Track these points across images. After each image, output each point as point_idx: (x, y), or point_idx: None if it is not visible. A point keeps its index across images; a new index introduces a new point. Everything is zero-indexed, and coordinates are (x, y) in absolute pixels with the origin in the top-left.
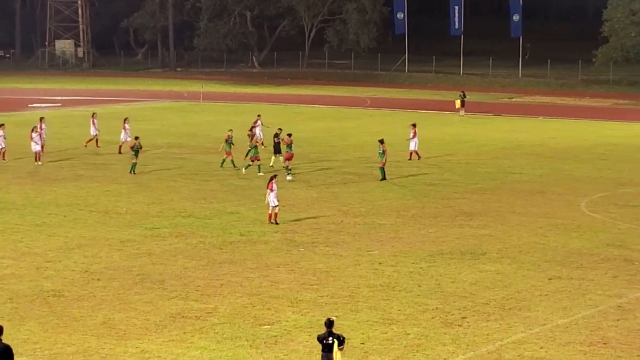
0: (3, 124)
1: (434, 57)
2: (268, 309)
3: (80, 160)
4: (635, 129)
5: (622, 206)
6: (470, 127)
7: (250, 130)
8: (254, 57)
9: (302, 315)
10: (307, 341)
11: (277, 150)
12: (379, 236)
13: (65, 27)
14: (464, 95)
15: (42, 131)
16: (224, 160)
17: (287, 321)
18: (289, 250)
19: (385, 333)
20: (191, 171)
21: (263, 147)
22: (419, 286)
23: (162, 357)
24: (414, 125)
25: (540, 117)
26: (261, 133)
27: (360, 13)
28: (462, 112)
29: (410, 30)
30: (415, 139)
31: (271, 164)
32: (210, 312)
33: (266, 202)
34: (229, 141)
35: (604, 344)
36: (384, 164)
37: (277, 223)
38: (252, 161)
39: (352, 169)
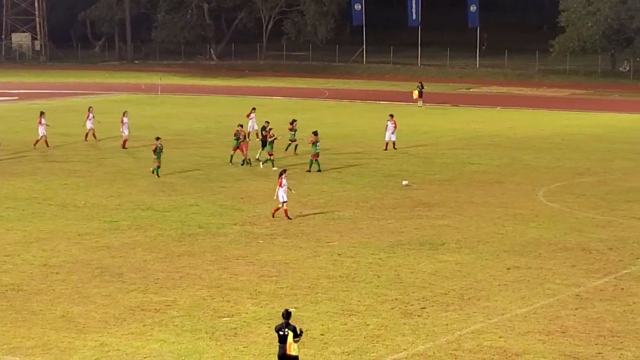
0: None
1: (391, 48)
2: (227, 301)
3: (39, 154)
4: (592, 119)
5: (580, 195)
6: (428, 118)
7: (291, 124)
8: (211, 50)
9: (261, 307)
10: (266, 333)
11: (264, 143)
12: (338, 227)
13: (21, 20)
14: (422, 86)
15: (43, 125)
16: (232, 156)
17: (247, 313)
18: (248, 243)
19: (345, 324)
20: (149, 164)
21: (257, 138)
22: (378, 277)
23: (121, 350)
24: (392, 116)
25: (498, 108)
26: (256, 125)
27: (317, 4)
28: (420, 103)
29: (367, 21)
30: (393, 130)
31: (257, 157)
32: (170, 305)
33: (275, 197)
34: (237, 137)
35: (563, 332)
36: (317, 156)
37: (289, 218)
38: (270, 155)
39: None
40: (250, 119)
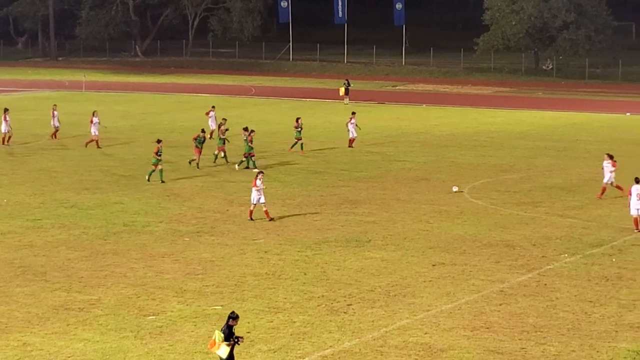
0: None
1: (318, 45)
2: (153, 299)
3: None
4: (516, 116)
5: (504, 192)
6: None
7: (297, 121)
8: (137, 46)
9: (187, 305)
10: (192, 331)
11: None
12: (264, 225)
13: None
14: (349, 83)
15: (7, 122)
16: (215, 156)
17: (172, 311)
18: (173, 240)
19: (271, 321)
20: (74, 161)
21: (211, 138)
22: (305, 274)
23: (44, 349)
24: (354, 114)
25: (424, 105)
26: (214, 124)
27: (244, 1)
28: (346, 101)
29: (294, 18)
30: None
31: (214, 153)
32: (94, 304)
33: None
34: (222, 137)
35: (487, 328)
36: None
37: (271, 219)
38: (245, 157)
39: (238, 158)
40: (210, 117)
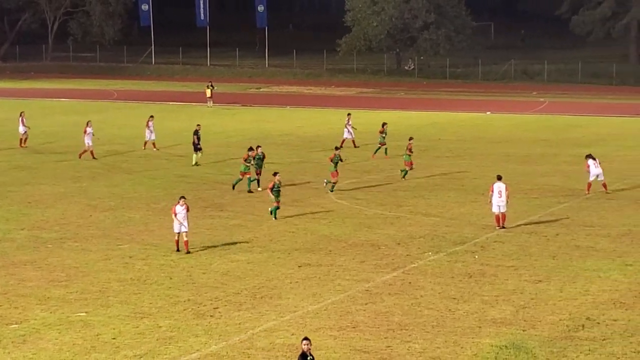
0: None
1: (180, 48)
2: (15, 307)
3: None
4: (379, 117)
5: (368, 192)
6: (218, 118)
7: (382, 126)
8: None
9: (51, 312)
10: (56, 339)
11: (197, 148)
12: (128, 230)
13: None
14: (212, 86)
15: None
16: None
17: (36, 319)
18: (36, 247)
19: (137, 327)
20: None
21: (155, 149)
22: (170, 278)
23: None
24: (349, 115)
25: (288, 107)
26: (153, 135)
27: (103, 5)
28: (210, 104)
29: (156, 21)
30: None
31: (194, 163)
32: None
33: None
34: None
35: (353, 327)
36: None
37: (188, 252)
38: (242, 176)
39: (101, 163)
40: (148, 127)
